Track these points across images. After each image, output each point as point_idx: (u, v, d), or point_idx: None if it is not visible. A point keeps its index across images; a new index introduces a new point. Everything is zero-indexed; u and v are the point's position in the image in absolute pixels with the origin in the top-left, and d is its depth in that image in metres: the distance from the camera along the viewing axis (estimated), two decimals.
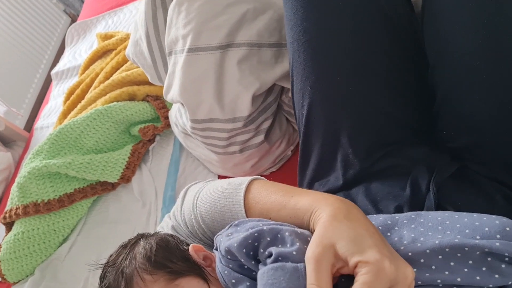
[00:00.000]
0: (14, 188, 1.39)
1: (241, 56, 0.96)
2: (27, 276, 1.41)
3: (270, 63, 0.99)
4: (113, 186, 1.42)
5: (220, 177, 1.25)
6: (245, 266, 0.58)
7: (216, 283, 0.63)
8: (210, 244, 0.73)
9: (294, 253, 0.54)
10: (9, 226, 1.43)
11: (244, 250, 0.57)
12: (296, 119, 0.84)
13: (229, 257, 0.59)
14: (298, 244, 0.55)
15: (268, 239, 0.56)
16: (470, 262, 0.52)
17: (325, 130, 0.76)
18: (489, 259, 0.52)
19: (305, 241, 0.56)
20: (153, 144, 1.44)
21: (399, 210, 0.69)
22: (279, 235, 0.56)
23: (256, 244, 0.56)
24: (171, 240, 0.68)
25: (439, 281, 0.52)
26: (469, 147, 0.70)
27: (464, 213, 0.58)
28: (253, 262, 0.57)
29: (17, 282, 1.41)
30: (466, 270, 0.52)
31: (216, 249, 0.64)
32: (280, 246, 0.55)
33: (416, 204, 0.68)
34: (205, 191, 0.71)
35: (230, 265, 0.60)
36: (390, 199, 0.71)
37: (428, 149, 0.74)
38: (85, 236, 1.42)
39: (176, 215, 0.75)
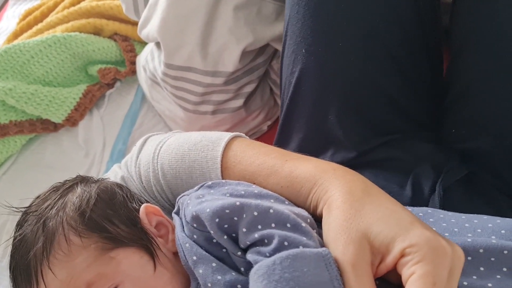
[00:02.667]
0: None
1: (239, 2, 0.82)
2: None
3: (270, 19, 0.85)
4: (55, 127, 1.24)
5: None
6: (214, 240, 0.44)
7: (166, 262, 0.49)
8: (167, 208, 0.58)
9: (305, 238, 0.40)
10: None
11: (217, 220, 0.43)
12: (281, 88, 0.71)
13: (195, 225, 0.45)
14: (304, 225, 0.42)
15: (255, 213, 0.42)
16: (505, 269, 0.42)
17: (313, 104, 0.65)
18: None
19: (306, 221, 0.43)
20: (112, 89, 1.27)
21: None
22: (271, 211, 0.42)
23: (235, 218, 0.43)
24: (119, 193, 0.53)
25: (465, 283, 0.41)
26: (483, 151, 0.61)
27: (494, 216, 0.48)
28: (225, 237, 0.43)
29: None
30: (498, 277, 0.42)
31: (177, 213, 0.50)
32: (274, 226, 0.42)
33: (417, 206, 0.58)
34: (173, 141, 0.57)
35: (195, 236, 0.46)
36: None
37: (435, 147, 0.64)
38: (12, 176, 1.24)
39: (129, 165, 0.60)
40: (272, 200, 0.46)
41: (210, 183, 0.49)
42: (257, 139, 1.07)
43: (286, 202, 0.47)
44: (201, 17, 0.81)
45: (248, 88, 0.93)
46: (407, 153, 0.64)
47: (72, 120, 1.22)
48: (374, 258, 0.38)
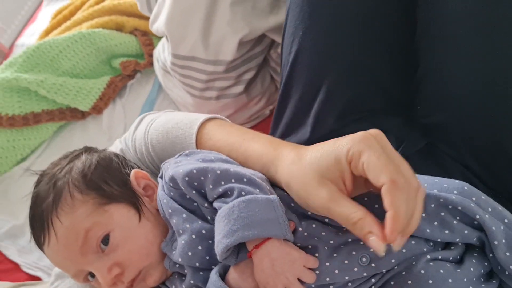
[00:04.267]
0: None
1: None
2: None
3: (265, 12, 0.94)
4: (83, 115, 1.37)
5: None
6: (187, 196, 0.54)
7: (149, 216, 0.59)
8: (157, 174, 0.69)
9: (257, 190, 0.50)
10: None
11: (187, 179, 0.53)
12: (281, 68, 0.80)
13: (171, 184, 0.55)
14: (258, 180, 0.51)
15: (218, 172, 0.52)
16: (423, 215, 0.50)
17: (307, 81, 0.73)
18: (442, 213, 0.50)
19: (262, 179, 0.53)
20: (132, 80, 1.39)
21: None
22: (231, 170, 0.52)
23: (202, 178, 0.52)
24: (114, 161, 0.63)
25: None
26: (441, 125, 0.67)
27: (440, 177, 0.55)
28: (194, 192, 0.53)
29: None
30: (436, 223, 0.50)
31: (161, 177, 0.60)
32: (234, 181, 0.51)
33: None
34: (161, 120, 0.67)
35: (171, 193, 0.56)
36: None
37: (401, 122, 0.72)
38: (45, 160, 1.37)
39: (127, 139, 0.71)
40: (236, 165, 0.56)
41: (187, 152, 0.59)
42: (261, 122, 1.16)
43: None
44: (202, 12, 0.91)
45: (248, 75, 1.02)
46: (375, 127, 0.71)
47: (97, 109, 1.34)
48: (340, 184, 0.46)
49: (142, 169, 0.66)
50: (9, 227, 1.24)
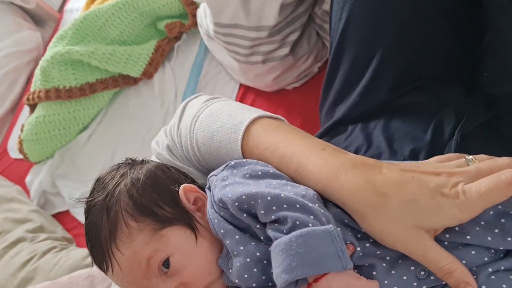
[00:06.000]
0: (37, 71, 1.39)
1: None
2: (47, 158, 1.45)
3: None
4: (135, 81, 1.40)
5: (241, 86, 1.20)
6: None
7: (204, 231, 0.58)
8: (204, 172, 0.68)
9: (312, 217, 0.49)
10: (32, 108, 1.45)
11: (237, 204, 0.52)
12: (330, 33, 0.76)
13: (220, 205, 0.55)
14: (311, 205, 0.50)
15: (269, 198, 0.50)
16: (482, 222, 0.48)
17: (358, 48, 0.69)
18: (502, 220, 0.48)
19: (314, 201, 0.51)
20: (179, 42, 1.39)
21: (414, 153, 0.62)
22: (282, 195, 0.50)
23: (252, 202, 0.51)
24: (161, 177, 0.61)
25: (447, 235, 0.48)
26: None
27: None
28: (244, 215, 0.53)
29: (38, 163, 1.46)
30: (477, 229, 0.48)
31: (209, 188, 0.59)
32: (286, 207, 0.50)
33: (435, 150, 0.61)
34: (204, 117, 0.64)
35: (222, 213, 0.55)
36: (408, 140, 0.64)
37: (462, 92, 0.67)
38: (104, 127, 1.43)
39: (173, 133, 0.69)
40: (285, 180, 0.55)
41: (233, 163, 0.57)
42: (310, 80, 1.14)
43: (296, 185, 0.55)
44: None
45: (293, 37, 0.98)
46: (433, 98, 0.66)
47: (147, 74, 1.36)
48: (431, 233, 0.48)
49: (188, 172, 0.66)
50: (80, 193, 1.32)
